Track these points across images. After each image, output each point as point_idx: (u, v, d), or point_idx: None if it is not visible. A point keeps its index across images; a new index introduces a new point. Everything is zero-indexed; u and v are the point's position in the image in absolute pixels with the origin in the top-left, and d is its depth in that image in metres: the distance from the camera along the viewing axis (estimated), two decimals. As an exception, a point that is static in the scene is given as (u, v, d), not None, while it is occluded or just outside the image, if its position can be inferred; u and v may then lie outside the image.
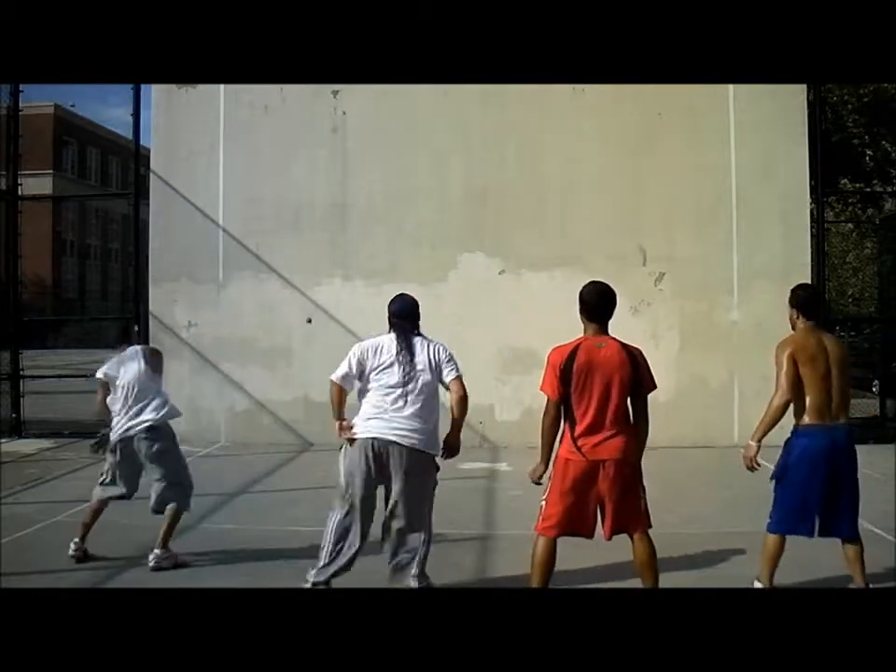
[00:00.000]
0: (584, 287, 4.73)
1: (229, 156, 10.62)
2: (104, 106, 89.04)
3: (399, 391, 4.79)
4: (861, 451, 7.58)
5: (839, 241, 21.17)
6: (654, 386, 4.30)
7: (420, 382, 4.82)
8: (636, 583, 5.03)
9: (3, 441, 10.24)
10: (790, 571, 5.21)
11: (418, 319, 5.22)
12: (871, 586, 4.59)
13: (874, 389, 13.23)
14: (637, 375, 4.22)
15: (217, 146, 10.65)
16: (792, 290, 4.89)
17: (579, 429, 4.13)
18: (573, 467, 4.12)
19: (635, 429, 4.24)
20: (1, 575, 4.66)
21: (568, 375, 4.20)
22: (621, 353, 4.32)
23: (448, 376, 4.92)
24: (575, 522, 4.25)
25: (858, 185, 16.82)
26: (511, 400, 10.26)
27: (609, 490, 4.14)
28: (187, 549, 5.77)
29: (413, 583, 4.58)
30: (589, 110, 10.19)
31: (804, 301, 4.78)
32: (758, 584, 4.69)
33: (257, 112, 10.63)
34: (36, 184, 22.80)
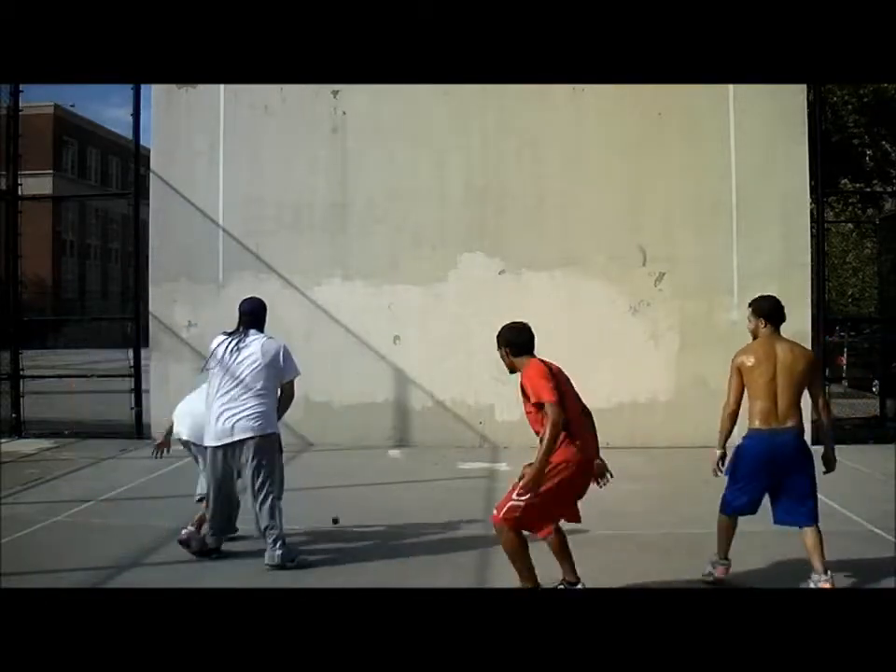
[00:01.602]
0: (513, 331, 5.13)
1: (229, 156, 10.62)
2: (104, 106, 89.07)
3: None
4: (862, 451, 7.64)
5: (839, 241, 21.16)
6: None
7: None
8: (636, 583, 5.03)
9: (3, 440, 10.24)
10: (790, 571, 5.21)
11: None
12: (829, 573, 4.71)
13: (874, 389, 13.22)
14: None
15: (217, 146, 10.64)
16: (756, 300, 5.10)
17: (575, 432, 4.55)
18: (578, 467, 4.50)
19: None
20: (1, 575, 4.66)
21: (558, 384, 4.59)
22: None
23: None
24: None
25: (858, 185, 16.82)
26: (511, 400, 10.23)
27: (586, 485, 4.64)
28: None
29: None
30: (589, 110, 10.19)
31: (766, 310, 4.99)
32: (714, 557, 5.02)
33: (257, 112, 10.63)
34: (36, 184, 22.78)
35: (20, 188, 11.16)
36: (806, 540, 4.84)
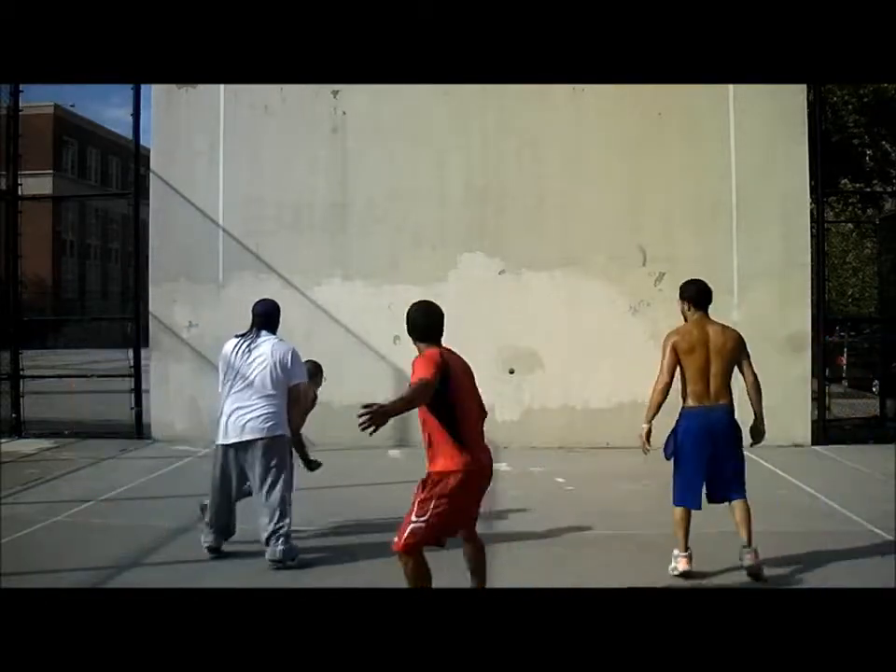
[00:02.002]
0: (418, 310, 4.33)
1: (229, 156, 10.62)
2: (104, 106, 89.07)
3: None
4: (862, 451, 7.64)
5: (839, 241, 21.16)
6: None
7: None
8: (636, 583, 5.03)
9: (3, 440, 10.24)
10: (790, 571, 5.22)
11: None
12: (755, 547, 4.98)
13: (874, 389, 13.22)
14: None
15: (217, 146, 10.65)
16: (683, 284, 5.41)
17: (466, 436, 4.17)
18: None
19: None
20: (1, 575, 4.66)
21: (446, 380, 4.08)
22: (470, 369, 4.50)
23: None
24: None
25: (858, 185, 16.82)
26: (511, 400, 10.26)
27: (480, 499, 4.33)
28: (186, 549, 5.77)
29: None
30: (589, 110, 10.19)
31: (694, 293, 5.30)
32: (675, 552, 5.12)
33: (257, 112, 10.63)
34: (36, 184, 22.78)
35: (20, 188, 11.16)
36: (735, 514, 5.06)
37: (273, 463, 5.45)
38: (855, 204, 16.67)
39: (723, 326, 5.21)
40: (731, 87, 9.93)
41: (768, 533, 6.06)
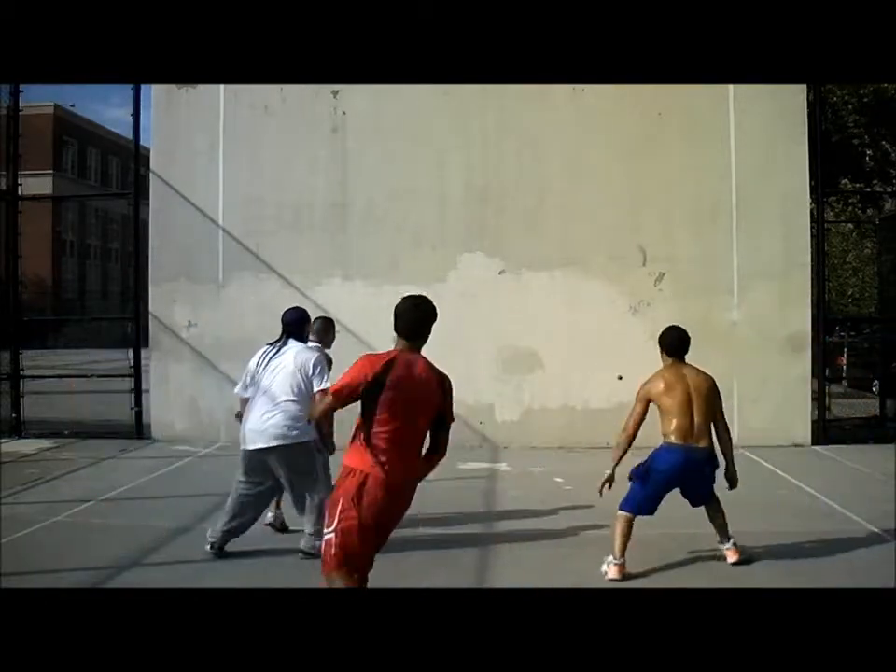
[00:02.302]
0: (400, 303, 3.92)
1: (229, 156, 10.62)
2: (104, 106, 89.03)
3: None
4: (862, 451, 7.64)
5: (839, 241, 21.16)
6: (453, 419, 3.90)
7: None
8: (635, 583, 5.03)
9: (3, 440, 10.24)
10: (789, 571, 5.22)
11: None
12: (734, 540, 5.28)
13: (874, 389, 13.22)
14: (443, 401, 3.81)
15: (216, 146, 10.64)
16: (663, 332, 5.50)
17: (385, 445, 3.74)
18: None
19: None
20: (1, 575, 4.66)
21: (379, 385, 3.69)
22: (433, 377, 3.80)
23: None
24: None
25: (858, 185, 16.83)
26: (511, 400, 10.27)
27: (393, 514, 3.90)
28: (186, 549, 5.77)
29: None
30: (589, 110, 10.19)
31: (669, 342, 5.41)
32: (609, 559, 5.15)
33: (257, 112, 10.63)
34: (36, 184, 22.76)
35: (20, 188, 11.16)
36: (709, 513, 5.44)
37: (299, 469, 5.48)
38: (855, 204, 16.67)
39: (698, 369, 5.31)
40: (731, 87, 9.93)
41: (768, 533, 6.07)
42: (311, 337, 5.95)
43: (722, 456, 5.33)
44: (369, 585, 3.68)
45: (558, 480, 8.22)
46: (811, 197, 10.37)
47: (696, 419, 5.16)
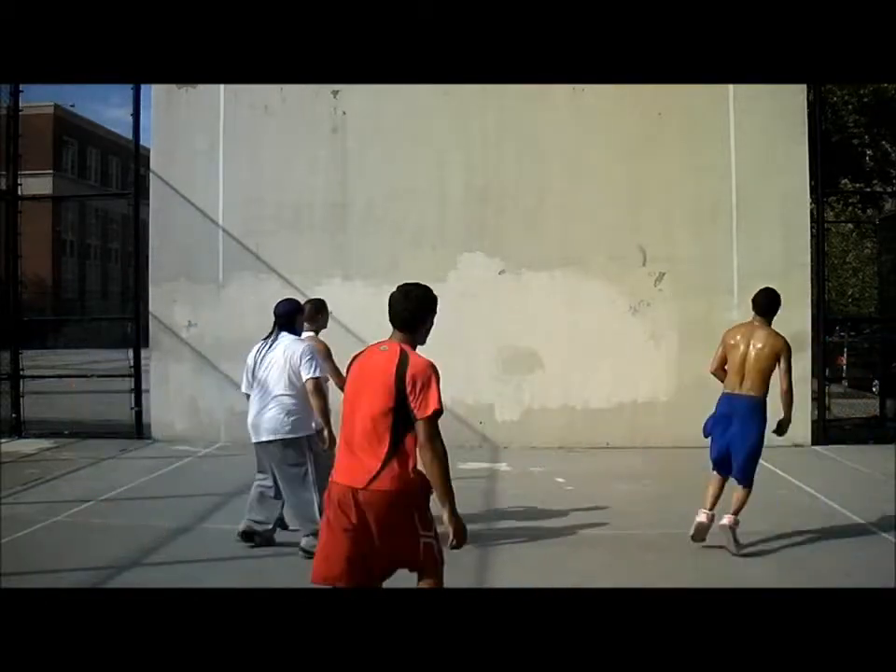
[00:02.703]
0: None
1: (229, 156, 10.62)
2: (104, 106, 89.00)
3: None
4: (862, 451, 7.64)
5: (839, 241, 21.16)
6: (426, 413, 3.24)
7: None
8: (635, 583, 5.03)
9: (3, 440, 10.24)
10: (789, 571, 5.22)
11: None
12: (738, 519, 5.68)
13: (874, 389, 13.22)
14: (401, 392, 3.26)
15: (216, 146, 10.64)
16: (758, 293, 6.03)
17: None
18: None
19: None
20: (1, 575, 4.66)
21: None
22: (390, 366, 3.31)
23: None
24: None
25: (858, 185, 16.83)
26: (511, 400, 10.27)
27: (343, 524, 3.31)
28: (186, 549, 5.77)
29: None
30: (589, 110, 10.19)
31: (755, 300, 5.96)
32: (701, 511, 5.70)
33: (257, 112, 10.63)
34: (36, 184, 22.76)
35: (20, 188, 11.16)
36: (734, 494, 5.79)
37: (288, 465, 5.51)
38: (855, 204, 16.68)
39: (771, 333, 5.80)
40: (731, 87, 9.93)
41: (768, 533, 6.07)
42: (305, 324, 5.97)
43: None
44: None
45: (559, 480, 8.22)
46: (811, 197, 10.37)
47: (746, 376, 5.74)
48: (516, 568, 5.36)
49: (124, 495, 7.53)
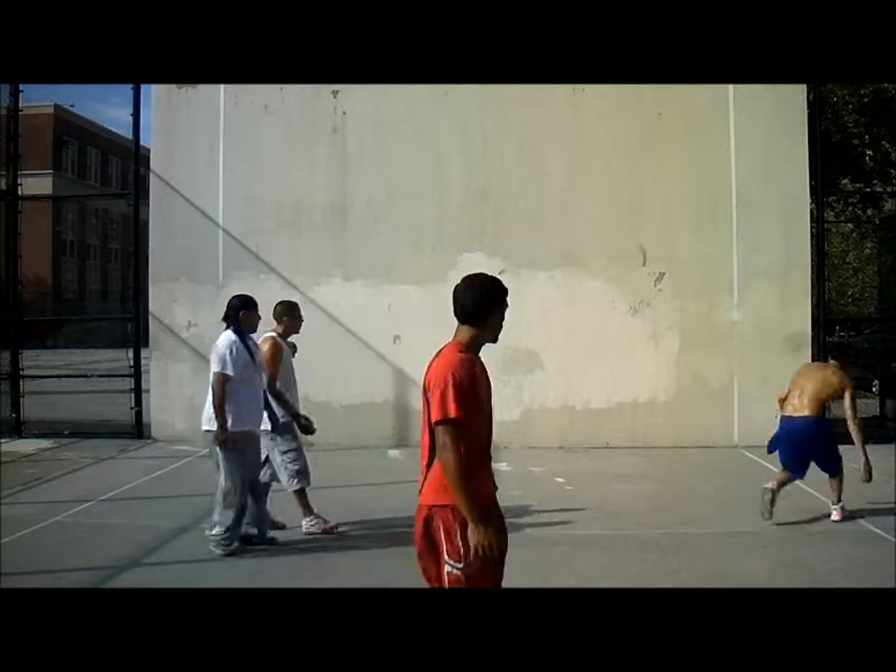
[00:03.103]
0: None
1: (229, 156, 10.62)
2: (104, 106, 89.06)
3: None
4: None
5: (839, 241, 21.17)
6: (434, 420, 3.03)
7: None
8: (636, 583, 5.03)
9: (3, 440, 10.24)
10: (789, 571, 5.22)
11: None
12: (843, 505, 6.44)
13: (873, 389, 13.21)
14: (425, 395, 3.16)
15: (217, 146, 10.65)
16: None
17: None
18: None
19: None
20: (1, 575, 4.66)
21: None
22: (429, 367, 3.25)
23: None
24: None
25: (858, 185, 16.83)
26: (511, 400, 10.26)
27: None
28: (186, 549, 5.77)
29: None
30: (589, 110, 10.19)
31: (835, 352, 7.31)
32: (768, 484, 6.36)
33: (257, 112, 10.63)
34: (36, 184, 22.77)
35: (20, 188, 11.16)
36: (830, 483, 6.58)
37: (212, 455, 5.73)
38: (855, 204, 16.67)
39: (824, 364, 6.95)
40: (731, 87, 9.94)
41: (768, 533, 6.07)
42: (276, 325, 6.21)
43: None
44: (373, 587, 3.68)
45: (559, 480, 8.22)
46: (811, 197, 10.37)
47: (802, 397, 6.46)
48: (516, 568, 5.35)
49: (124, 495, 7.53)
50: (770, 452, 6.70)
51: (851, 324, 18.60)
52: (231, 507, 5.54)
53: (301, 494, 6.14)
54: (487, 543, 2.92)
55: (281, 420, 5.96)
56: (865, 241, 20.26)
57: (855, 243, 21.34)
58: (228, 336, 5.75)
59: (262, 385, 5.83)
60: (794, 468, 6.46)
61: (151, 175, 10.85)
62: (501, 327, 3.34)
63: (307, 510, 6.16)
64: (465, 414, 2.98)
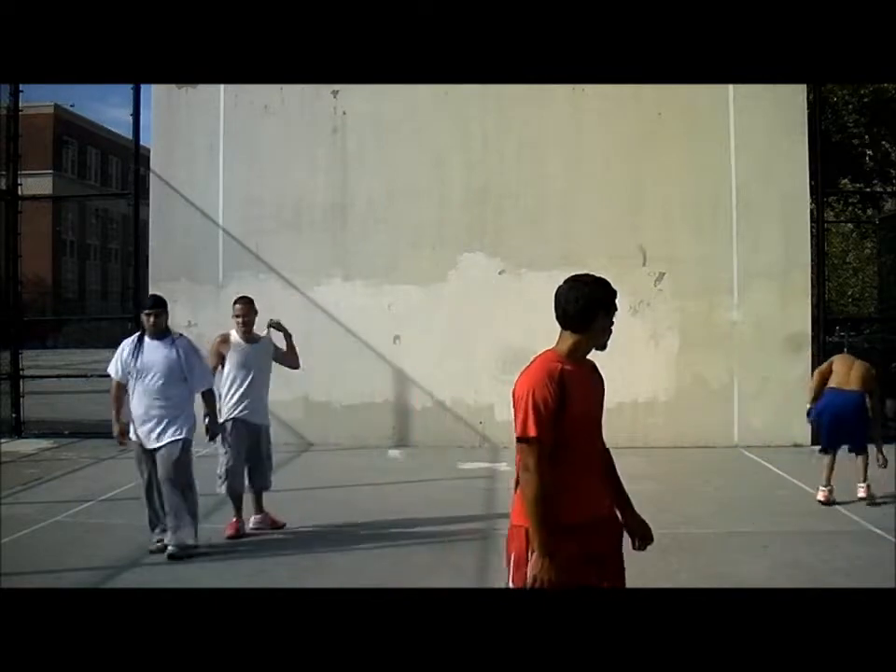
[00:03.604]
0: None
1: (229, 156, 10.62)
2: (104, 106, 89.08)
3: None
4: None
5: (839, 241, 21.16)
6: (517, 434, 2.93)
7: None
8: (635, 583, 5.03)
9: (3, 440, 10.24)
10: (789, 571, 5.22)
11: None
12: (870, 486, 6.99)
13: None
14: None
15: (217, 146, 10.65)
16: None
17: None
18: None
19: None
20: (1, 575, 4.66)
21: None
22: None
23: None
24: None
25: (858, 185, 16.83)
26: (511, 400, 10.26)
27: None
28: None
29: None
30: (589, 110, 10.19)
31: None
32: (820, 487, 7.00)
33: (257, 112, 10.63)
34: (36, 184, 22.78)
35: (20, 187, 11.16)
36: (857, 462, 7.11)
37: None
38: (855, 204, 16.67)
39: (861, 364, 7.46)
40: (731, 87, 9.94)
41: (768, 533, 6.07)
42: None
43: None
44: (372, 587, 3.68)
45: (558, 480, 8.21)
46: (811, 197, 10.37)
47: (850, 374, 7.21)
48: (516, 568, 5.35)
49: (124, 495, 7.53)
50: (810, 419, 7.47)
51: (851, 324, 18.59)
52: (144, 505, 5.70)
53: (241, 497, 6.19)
54: (542, 580, 2.71)
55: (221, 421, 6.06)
56: (865, 241, 20.25)
57: (855, 243, 21.33)
58: (128, 339, 5.80)
59: (160, 386, 5.68)
60: (832, 441, 7.08)
61: (151, 175, 10.86)
62: (609, 332, 3.10)
63: (244, 513, 6.21)
64: (544, 433, 2.79)
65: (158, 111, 10.79)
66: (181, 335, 5.83)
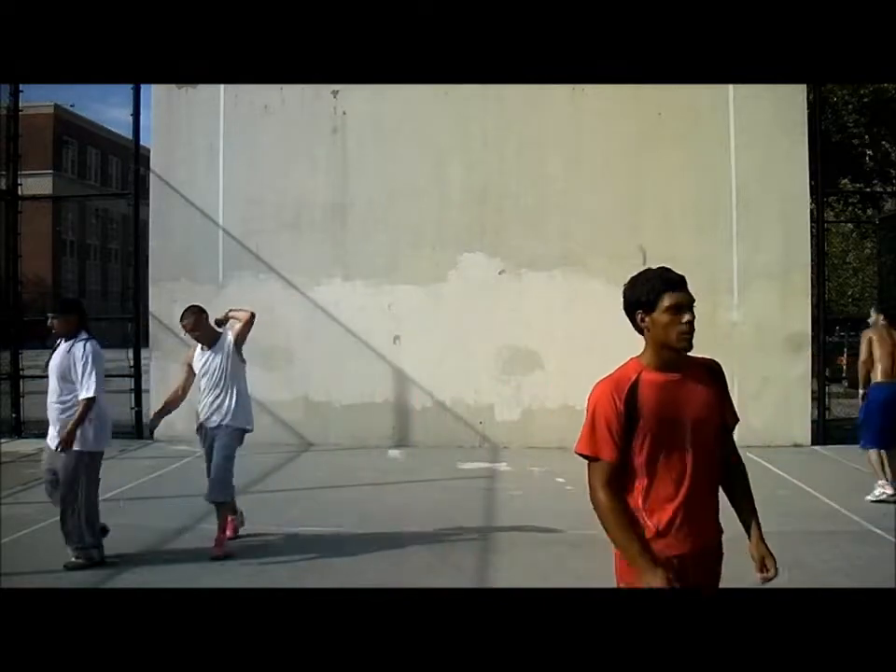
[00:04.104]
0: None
1: (229, 156, 10.63)
2: (104, 106, 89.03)
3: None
4: (862, 451, 7.64)
5: (839, 241, 21.17)
6: (575, 448, 2.98)
7: None
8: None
9: (3, 440, 10.24)
10: (789, 571, 5.22)
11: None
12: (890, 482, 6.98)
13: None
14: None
15: (217, 146, 10.65)
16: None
17: None
18: None
19: None
20: (1, 575, 4.66)
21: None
22: None
23: None
24: None
25: (858, 185, 16.83)
26: (511, 400, 10.27)
27: None
28: (186, 549, 5.77)
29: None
30: (589, 110, 10.20)
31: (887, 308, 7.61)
32: (879, 481, 7.01)
33: (257, 112, 10.63)
34: (36, 184, 22.75)
35: (20, 188, 11.16)
36: (886, 459, 7.06)
37: None
38: (855, 204, 16.67)
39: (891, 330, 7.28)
40: (731, 87, 9.94)
41: (768, 533, 6.06)
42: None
43: None
44: (373, 587, 3.68)
45: (559, 480, 8.22)
46: (811, 197, 10.37)
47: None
48: (516, 568, 5.36)
49: (124, 495, 7.53)
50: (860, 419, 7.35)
51: (851, 324, 18.60)
52: None
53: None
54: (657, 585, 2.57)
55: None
56: (865, 241, 20.26)
57: (855, 243, 21.34)
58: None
59: (55, 389, 5.46)
60: (885, 440, 7.01)
61: (151, 175, 10.86)
62: (680, 328, 2.76)
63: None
64: (604, 449, 2.71)
65: (158, 111, 10.80)
66: (89, 340, 5.46)
